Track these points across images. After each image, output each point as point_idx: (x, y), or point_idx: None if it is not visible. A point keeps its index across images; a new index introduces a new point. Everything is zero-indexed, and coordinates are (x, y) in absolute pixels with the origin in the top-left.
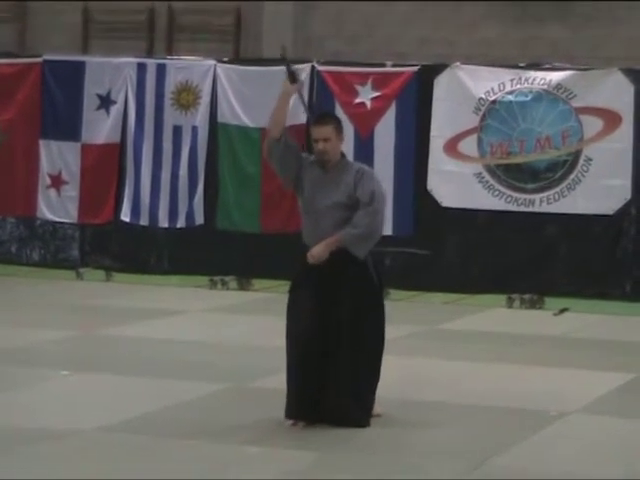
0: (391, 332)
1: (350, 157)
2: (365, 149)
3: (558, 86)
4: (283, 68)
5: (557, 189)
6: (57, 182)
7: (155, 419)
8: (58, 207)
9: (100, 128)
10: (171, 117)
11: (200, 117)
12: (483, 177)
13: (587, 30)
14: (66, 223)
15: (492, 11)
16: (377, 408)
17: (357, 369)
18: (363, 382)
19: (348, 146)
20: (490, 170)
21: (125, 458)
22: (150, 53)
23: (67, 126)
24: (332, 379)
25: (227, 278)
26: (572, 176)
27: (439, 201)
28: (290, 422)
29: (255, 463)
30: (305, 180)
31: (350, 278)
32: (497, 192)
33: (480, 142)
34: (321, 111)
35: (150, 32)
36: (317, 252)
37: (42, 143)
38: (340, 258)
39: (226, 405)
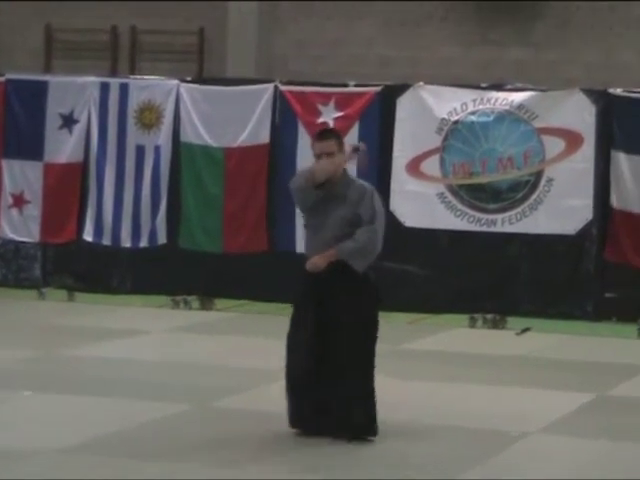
0: None
1: None
2: None
3: (520, 106)
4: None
5: (519, 209)
6: (19, 201)
7: (117, 440)
8: (20, 226)
9: (63, 147)
10: (134, 136)
11: (163, 136)
12: (445, 197)
13: (547, 53)
14: (28, 242)
15: (454, 32)
16: None
17: (351, 378)
18: (357, 389)
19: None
20: (452, 190)
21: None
22: (113, 73)
23: (30, 145)
24: (330, 391)
25: (190, 298)
26: (534, 196)
27: (402, 221)
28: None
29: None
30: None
31: (349, 287)
32: (459, 212)
33: (442, 162)
34: (322, 127)
35: (113, 52)
36: (317, 260)
37: (4, 162)
38: (341, 271)
39: (189, 425)
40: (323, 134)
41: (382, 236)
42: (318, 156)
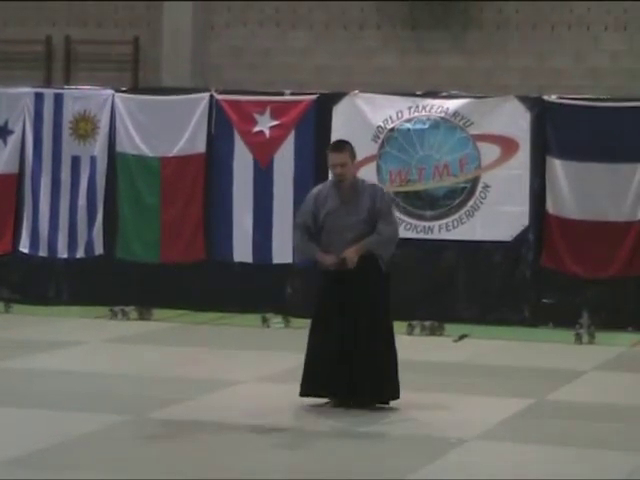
0: (290, 360)
1: (250, 186)
2: (264, 178)
3: (455, 114)
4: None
5: (456, 216)
6: None
7: (55, 453)
8: None
9: None
10: (69, 147)
11: (98, 147)
12: None
13: (481, 60)
14: None
15: (388, 41)
16: None
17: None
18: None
19: (248, 175)
20: None
21: None
22: (48, 83)
23: None
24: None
25: (127, 308)
26: (470, 203)
27: None
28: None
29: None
30: (325, 207)
31: (368, 278)
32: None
33: (379, 170)
34: (337, 139)
35: (48, 62)
36: (350, 253)
37: None
38: (362, 269)
39: (128, 436)
40: (338, 146)
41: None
42: (333, 166)
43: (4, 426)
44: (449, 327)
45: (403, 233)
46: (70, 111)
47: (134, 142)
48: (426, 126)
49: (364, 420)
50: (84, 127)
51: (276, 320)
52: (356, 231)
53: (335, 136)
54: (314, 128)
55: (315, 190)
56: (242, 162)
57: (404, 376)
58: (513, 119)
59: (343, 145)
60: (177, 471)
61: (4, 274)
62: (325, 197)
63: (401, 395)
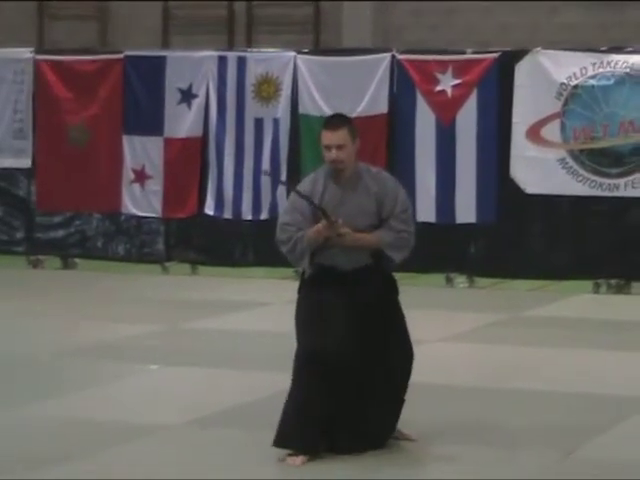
0: (475, 320)
1: (432, 145)
2: (447, 137)
3: None
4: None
5: None
6: (141, 177)
7: (246, 412)
8: (142, 202)
9: (182, 122)
10: (252, 109)
11: (281, 109)
12: (567, 162)
13: None
14: (151, 217)
15: None
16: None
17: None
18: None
19: (430, 134)
20: (574, 155)
21: (217, 451)
22: (230, 46)
23: (149, 121)
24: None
25: None
26: None
27: (522, 187)
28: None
29: (345, 457)
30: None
31: (379, 295)
32: (581, 177)
33: (563, 127)
34: (334, 113)
35: (229, 25)
36: (348, 233)
37: (125, 138)
38: (367, 276)
39: None
40: (334, 123)
41: (414, 227)
42: (327, 148)
43: (193, 385)
44: (636, 285)
45: (589, 191)
46: (252, 73)
47: (316, 103)
48: (611, 82)
49: (546, 380)
50: (267, 89)
51: (460, 280)
52: (358, 222)
53: (518, 94)
54: (496, 86)
55: (302, 188)
56: (424, 121)
57: (589, 334)
58: None
59: (341, 120)
60: None
61: (190, 236)
62: (321, 192)
63: (590, 353)
